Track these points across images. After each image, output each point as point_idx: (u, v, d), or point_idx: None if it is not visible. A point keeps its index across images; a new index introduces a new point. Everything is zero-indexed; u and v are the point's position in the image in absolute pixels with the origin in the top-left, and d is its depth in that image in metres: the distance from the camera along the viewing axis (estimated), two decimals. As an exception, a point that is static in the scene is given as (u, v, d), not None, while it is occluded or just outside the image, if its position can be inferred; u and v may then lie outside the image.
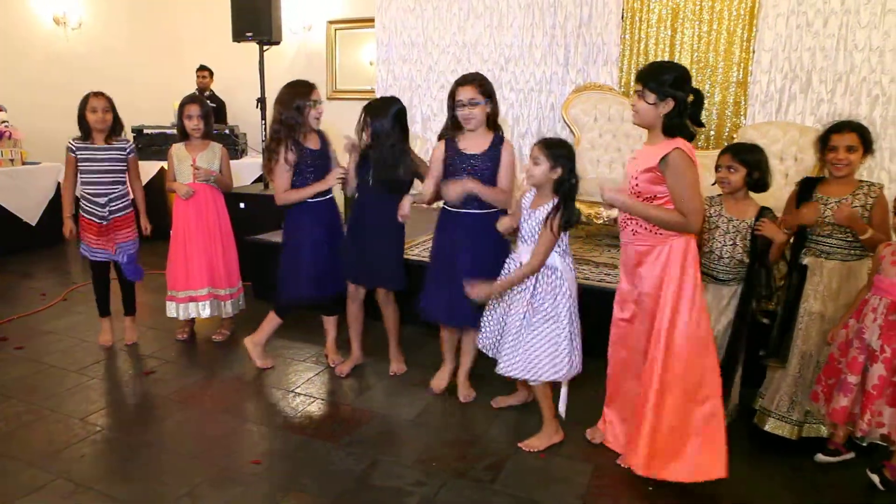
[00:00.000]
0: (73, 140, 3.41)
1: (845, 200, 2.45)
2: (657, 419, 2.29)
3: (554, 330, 2.50)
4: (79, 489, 2.29)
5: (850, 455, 2.53)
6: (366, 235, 3.08)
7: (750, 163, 2.56)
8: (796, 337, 2.57)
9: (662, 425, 2.29)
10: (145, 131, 5.90)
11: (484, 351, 2.77)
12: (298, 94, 3.03)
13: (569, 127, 4.90)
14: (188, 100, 3.47)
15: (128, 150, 3.47)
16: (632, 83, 2.35)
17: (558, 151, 2.44)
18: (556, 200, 2.46)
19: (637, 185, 2.29)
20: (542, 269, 2.51)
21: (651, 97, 2.21)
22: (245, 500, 2.25)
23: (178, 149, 3.50)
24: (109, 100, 3.40)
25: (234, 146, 5.90)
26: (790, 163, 4.43)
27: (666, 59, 4.94)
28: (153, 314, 4.02)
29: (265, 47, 4.93)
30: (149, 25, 7.21)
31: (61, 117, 6.52)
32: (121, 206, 3.46)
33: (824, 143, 2.49)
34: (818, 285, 2.53)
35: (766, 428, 2.64)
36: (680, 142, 2.21)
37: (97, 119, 3.33)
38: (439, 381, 3.10)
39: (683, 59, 4.88)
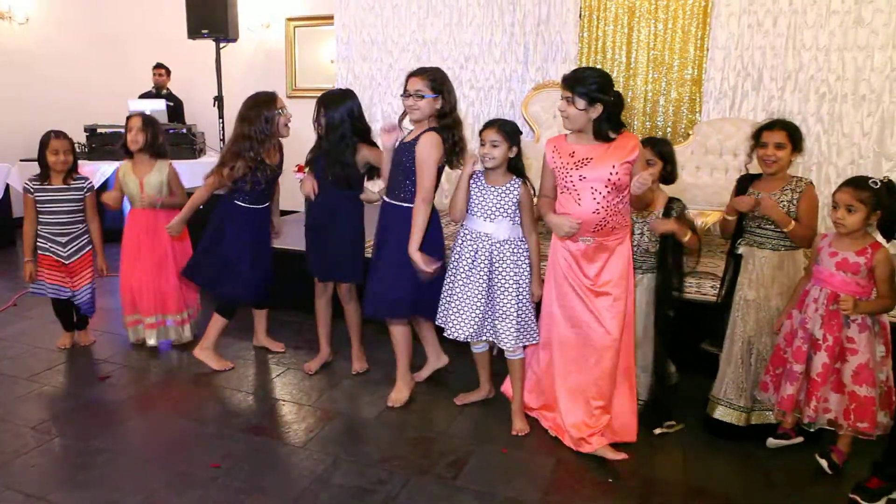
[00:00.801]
0: (31, 181, 3.32)
1: (773, 195, 2.56)
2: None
3: (525, 296, 2.68)
4: (28, 500, 2.22)
5: (799, 439, 2.62)
6: (322, 230, 3.08)
7: (666, 156, 2.71)
8: (733, 324, 2.67)
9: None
10: (98, 130, 5.74)
11: (469, 340, 2.72)
12: (264, 106, 3.04)
13: (528, 124, 4.95)
14: (131, 114, 3.38)
15: (85, 189, 3.40)
16: (562, 88, 2.39)
17: (512, 129, 2.59)
18: (517, 181, 2.63)
19: (618, 176, 2.38)
20: (518, 243, 2.65)
21: (581, 103, 2.34)
22: (204, 505, 2.22)
23: (125, 170, 3.36)
24: (70, 140, 3.35)
25: (192, 145, 5.78)
26: (743, 158, 4.52)
27: (623, 56, 5.03)
28: (108, 318, 3.92)
29: (222, 45, 4.84)
30: (100, 21, 7.00)
31: (8, 115, 6.34)
32: (80, 244, 3.41)
33: (756, 139, 2.60)
34: (751, 273, 2.64)
35: (716, 415, 2.71)
36: (633, 135, 2.44)
37: (58, 161, 3.26)
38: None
39: (640, 57, 4.97)
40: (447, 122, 2.71)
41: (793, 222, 2.50)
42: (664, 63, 4.97)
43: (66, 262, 3.36)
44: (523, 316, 2.66)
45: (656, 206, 2.69)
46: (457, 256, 2.71)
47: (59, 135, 3.29)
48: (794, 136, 2.55)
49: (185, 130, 5.77)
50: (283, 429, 2.75)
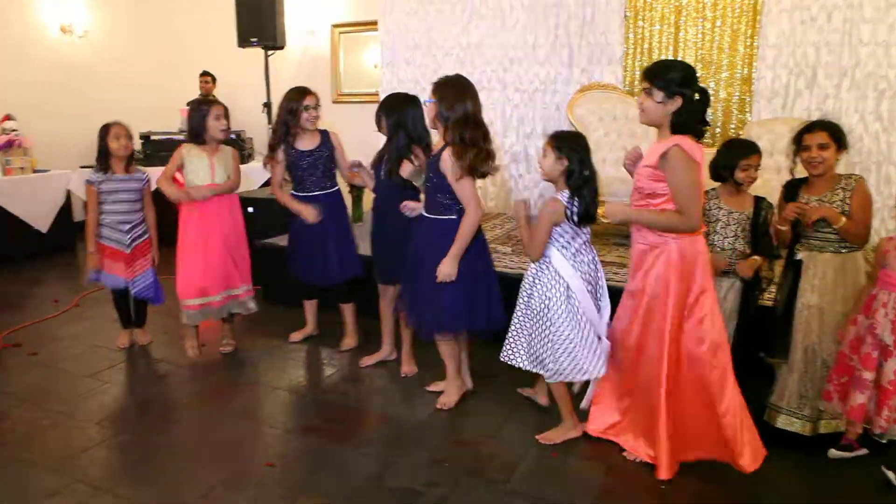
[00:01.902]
0: (93, 173, 3.43)
1: (824, 198, 2.49)
2: (672, 425, 2.34)
3: (548, 328, 2.53)
4: (96, 493, 2.32)
5: (864, 451, 2.52)
6: (386, 232, 3.17)
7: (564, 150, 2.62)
8: (796, 332, 2.59)
9: (679, 431, 2.36)
10: (153, 137, 5.94)
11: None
12: (292, 99, 3.30)
13: (574, 127, 4.90)
14: (214, 101, 3.44)
15: (144, 180, 3.53)
16: (637, 82, 2.34)
17: (564, 142, 2.48)
18: (559, 194, 2.50)
19: (639, 180, 2.33)
20: (539, 265, 2.56)
21: (658, 95, 2.24)
22: (260, 502, 2.27)
23: (189, 149, 3.34)
24: (128, 128, 3.46)
25: (241, 150, 5.93)
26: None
27: (670, 57, 4.94)
28: (165, 319, 4.05)
29: (270, 52, 4.95)
30: (152, 32, 7.25)
31: (69, 125, 6.60)
32: (140, 232, 3.52)
33: (798, 143, 2.55)
34: (813, 279, 2.56)
35: (778, 424, 2.64)
36: (681, 139, 2.24)
37: (120, 146, 3.38)
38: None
39: (687, 57, 4.87)
40: (446, 126, 2.66)
41: (843, 218, 2.44)
42: (713, 62, 4.87)
43: (129, 251, 3.47)
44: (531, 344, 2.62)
45: (744, 207, 2.65)
46: (550, 299, 2.55)
47: (118, 123, 3.42)
48: (836, 135, 2.49)
49: (233, 135, 5.92)
50: (335, 429, 2.79)
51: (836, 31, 4.48)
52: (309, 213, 3.31)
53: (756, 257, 2.63)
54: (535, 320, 2.57)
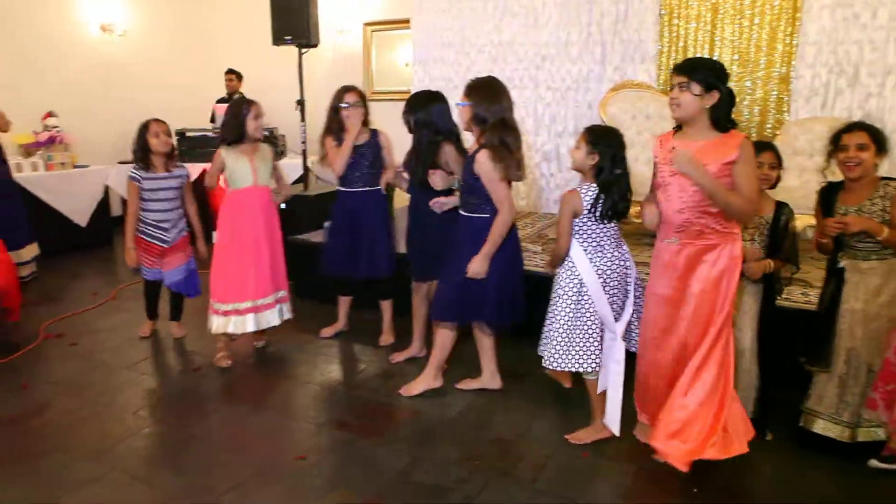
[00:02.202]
0: (136, 170, 3.46)
1: (863, 208, 2.41)
2: (716, 421, 2.31)
3: (569, 321, 2.56)
4: (133, 482, 2.37)
5: None
6: (417, 230, 3.22)
7: (780, 160, 2.61)
8: (839, 336, 2.52)
9: (720, 425, 2.31)
10: (188, 134, 6.05)
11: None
12: (336, 96, 3.40)
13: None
14: (251, 101, 3.31)
15: (185, 177, 3.60)
16: (674, 74, 2.29)
17: (598, 137, 2.47)
18: (582, 186, 2.51)
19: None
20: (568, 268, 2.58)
21: (697, 88, 2.20)
22: (291, 495, 2.30)
23: (228, 152, 3.27)
24: (167, 125, 3.52)
25: (275, 147, 6.00)
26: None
27: (706, 55, 4.87)
28: (199, 313, 4.11)
29: (304, 50, 5.00)
30: (189, 31, 7.38)
31: (107, 121, 6.76)
32: (180, 227, 3.60)
33: (835, 144, 2.47)
34: (857, 286, 2.48)
35: (816, 429, 2.58)
36: (740, 133, 2.26)
37: (160, 143, 3.42)
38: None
39: (724, 56, 4.79)
40: (483, 129, 2.68)
41: (886, 230, 2.35)
42: (750, 61, 4.77)
43: (168, 246, 3.54)
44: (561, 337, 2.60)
45: (764, 211, 2.57)
46: (561, 287, 2.61)
47: (158, 119, 3.47)
48: (876, 138, 2.40)
49: (267, 132, 5.99)
50: (364, 425, 2.81)
51: (880, 27, 4.36)
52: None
53: (768, 260, 2.56)
54: (554, 315, 2.61)
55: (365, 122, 3.42)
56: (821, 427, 2.57)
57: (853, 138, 2.41)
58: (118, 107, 6.70)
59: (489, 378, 3.07)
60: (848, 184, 2.49)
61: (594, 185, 2.49)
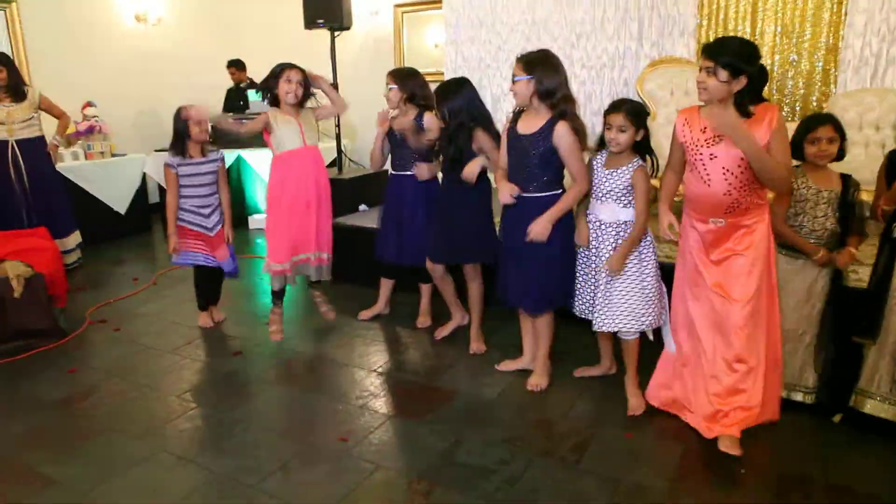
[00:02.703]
0: (172, 157, 3.48)
1: None
2: (756, 389, 2.40)
3: (642, 280, 2.60)
4: (180, 462, 2.41)
5: None
6: (446, 214, 3.18)
7: (843, 132, 2.54)
8: (889, 312, 2.44)
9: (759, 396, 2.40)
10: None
11: (581, 315, 2.78)
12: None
13: (644, 102, 4.74)
14: (287, 65, 3.31)
15: (219, 160, 3.60)
16: (702, 57, 2.24)
17: (641, 115, 2.54)
18: (637, 160, 2.55)
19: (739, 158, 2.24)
20: (623, 227, 2.59)
21: (723, 74, 2.18)
22: (335, 476, 2.31)
23: (275, 114, 3.31)
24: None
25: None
26: (888, 132, 4.14)
27: (748, 27, 4.71)
28: (238, 298, 4.17)
29: (336, 33, 4.98)
30: (219, 18, 7.41)
31: (142, 110, 6.85)
32: (220, 217, 3.61)
33: None
34: None
35: (866, 410, 2.50)
36: (770, 107, 2.26)
37: (200, 131, 3.43)
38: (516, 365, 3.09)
39: (767, 28, 4.63)
40: (553, 102, 2.62)
41: None
42: (794, 32, 4.60)
43: (212, 234, 3.55)
44: (626, 300, 2.60)
45: (832, 185, 2.53)
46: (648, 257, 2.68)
47: (194, 105, 3.45)
48: None
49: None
50: (405, 406, 2.82)
51: (934, -8, 4.16)
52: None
53: (852, 249, 2.52)
54: (628, 279, 2.62)
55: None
56: (871, 407, 2.49)
57: None
58: (153, 95, 6.78)
59: (530, 359, 3.04)
60: None
61: (637, 159, 2.55)
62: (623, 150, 2.54)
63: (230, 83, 6.90)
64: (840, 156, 2.55)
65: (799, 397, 2.65)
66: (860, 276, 3.08)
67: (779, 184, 2.33)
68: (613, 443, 2.48)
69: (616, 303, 2.60)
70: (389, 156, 3.55)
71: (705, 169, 2.33)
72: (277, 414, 2.81)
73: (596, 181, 2.64)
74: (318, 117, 3.50)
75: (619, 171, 2.56)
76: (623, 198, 2.58)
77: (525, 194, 2.73)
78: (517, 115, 2.78)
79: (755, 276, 2.37)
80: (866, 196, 2.64)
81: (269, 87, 3.32)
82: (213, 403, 2.88)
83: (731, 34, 4.74)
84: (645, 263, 2.61)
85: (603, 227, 2.63)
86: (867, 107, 4.17)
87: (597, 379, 2.98)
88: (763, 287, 2.39)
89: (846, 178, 2.56)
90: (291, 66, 3.31)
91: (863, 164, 4.10)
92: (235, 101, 6.75)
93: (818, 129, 2.49)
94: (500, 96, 5.66)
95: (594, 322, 2.67)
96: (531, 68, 2.63)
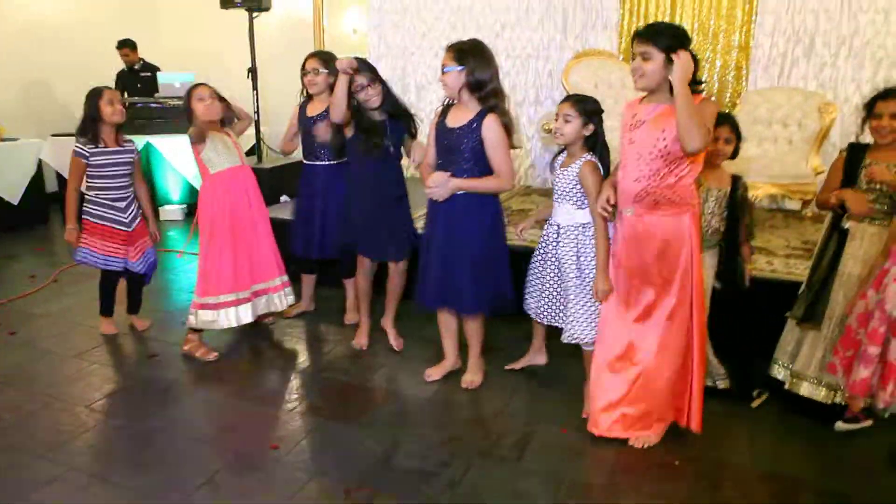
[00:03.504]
0: (83, 145, 3.12)
1: (891, 166, 2.42)
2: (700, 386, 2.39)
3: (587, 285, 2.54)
4: (93, 480, 2.21)
5: (869, 423, 2.53)
6: (365, 206, 3.06)
7: (738, 132, 2.60)
8: (834, 300, 2.54)
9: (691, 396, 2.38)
10: (127, 104, 5.67)
11: (538, 319, 2.74)
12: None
13: (568, 94, 4.79)
14: (196, 85, 3.00)
15: (135, 152, 3.30)
16: (636, 43, 2.21)
17: (589, 106, 2.45)
18: (586, 156, 2.46)
19: (666, 144, 2.17)
20: (579, 229, 2.52)
21: (660, 58, 2.14)
22: (268, 486, 2.19)
23: (210, 137, 3.01)
24: (119, 92, 3.23)
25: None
26: (794, 128, 4.38)
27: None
28: (150, 295, 3.89)
29: (255, 14, 4.72)
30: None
31: (39, 91, 6.29)
32: (136, 210, 3.30)
33: (869, 110, 2.47)
34: (857, 250, 2.51)
35: (802, 392, 2.62)
36: (700, 96, 2.19)
37: (115, 111, 3.10)
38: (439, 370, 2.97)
39: (684, 24, 4.77)
40: (483, 95, 2.56)
41: None
42: (710, 29, 4.78)
43: (131, 229, 3.25)
44: (579, 310, 2.56)
45: (723, 184, 2.57)
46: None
47: (110, 87, 3.17)
48: None
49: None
50: (338, 409, 2.71)
51: (835, -3, 4.42)
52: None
53: (748, 265, 2.65)
54: (580, 284, 2.55)
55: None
56: (806, 390, 2.61)
57: (889, 107, 2.40)
58: (44, 74, 6.24)
59: (454, 361, 2.97)
60: (875, 144, 2.50)
61: (587, 154, 2.47)
62: (569, 142, 2.49)
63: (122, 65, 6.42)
64: (733, 155, 2.61)
65: (719, 384, 2.74)
66: (774, 266, 3.25)
67: (698, 142, 2.10)
68: (551, 439, 2.48)
69: (580, 313, 2.55)
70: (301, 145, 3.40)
71: (625, 154, 2.30)
72: (200, 422, 2.63)
73: (554, 183, 2.60)
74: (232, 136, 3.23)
75: (570, 168, 2.51)
76: (577, 198, 2.52)
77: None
78: (446, 108, 2.71)
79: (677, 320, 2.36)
80: (765, 191, 2.72)
81: (187, 112, 2.99)
82: (127, 413, 2.66)
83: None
84: (586, 270, 2.53)
85: (562, 231, 2.57)
86: (776, 104, 4.39)
87: (528, 374, 2.97)
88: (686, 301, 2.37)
89: (735, 179, 2.60)
90: (200, 85, 3.01)
91: (773, 158, 4.32)
92: (131, 84, 6.30)
93: (716, 130, 2.54)
94: (425, 84, 5.59)
95: (564, 333, 2.62)
96: (463, 58, 2.55)
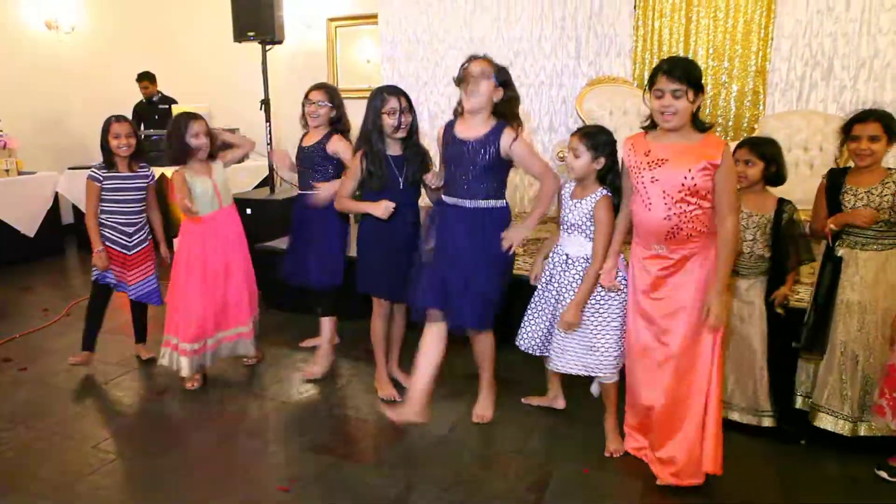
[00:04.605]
0: (98, 169, 3.20)
1: (874, 191, 2.38)
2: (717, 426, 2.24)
3: (611, 323, 2.44)
4: (97, 525, 2.14)
5: None
6: (381, 241, 2.89)
7: (767, 156, 2.53)
8: (835, 329, 2.48)
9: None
10: (144, 136, 5.72)
11: (529, 351, 2.64)
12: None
13: (583, 121, 4.75)
14: (190, 116, 3.03)
15: (150, 178, 3.32)
16: (646, 74, 2.16)
17: (599, 140, 2.38)
18: (602, 191, 2.40)
19: (694, 181, 2.14)
20: (587, 260, 2.45)
21: (691, 95, 2.12)
22: (276, 532, 2.11)
23: (189, 172, 3.03)
24: (132, 124, 3.23)
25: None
26: (815, 152, 4.30)
27: (681, 49, 4.81)
28: (160, 330, 3.85)
29: (268, 47, 4.75)
30: (143, 28, 7.01)
31: (56, 125, 6.38)
32: (143, 236, 3.31)
33: (847, 132, 2.43)
34: (853, 276, 2.45)
35: (818, 423, 2.54)
36: (720, 139, 2.22)
37: (120, 144, 3.14)
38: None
39: (699, 49, 4.74)
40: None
41: None
42: (725, 54, 4.73)
43: (130, 253, 3.26)
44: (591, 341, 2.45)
45: (766, 210, 2.51)
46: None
47: (120, 119, 3.19)
48: (889, 127, 2.36)
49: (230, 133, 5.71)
50: (351, 447, 2.63)
51: (853, 20, 4.36)
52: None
53: (786, 290, 2.55)
54: (600, 321, 2.46)
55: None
56: (823, 421, 2.53)
57: (866, 129, 2.36)
58: (66, 108, 6.34)
59: (423, 389, 2.64)
60: (855, 168, 2.45)
61: (602, 189, 2.40)
62: (579, 177, 2.43)
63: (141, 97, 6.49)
64: (777, 181, 2.55)
65: (766, 422, 2.62)
66: (800, 294, 3.13)
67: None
68: (572, 480, 2.38)
69: (589, 347, 2.45)
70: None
71: (647, 192, 2.25)
72: (210, 462, 2.55)
73: (563, 212, 2.53)
74: (227, 163, 3.21)
75: (583, 201, 2.44)
76: (590, 230, 2.45)
77: (467, 203, 2.58)
78: (451, 122, 2.64)
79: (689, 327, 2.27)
80: (804, 216, 2.64)
81: (174, 144, 3.02)
82: (135, 452, 2.61)
83: (665, 55, 4.83)
84: (608, 311, 2.44)
85: (570, 261, 2.49)
86: (795, 128, 4.31)
87: (545, 408, 2.87)
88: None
89: (781, 203, 2.53)
90: (194, 117, 3.02)
91: (793, 184, 4.20)
92: (149, 116, 6.36)
93: (735, 152, 2.50)
94: (438, 113, 5.57)
95: (556, 362, 2.52)
96: (500, 72, 2.55)
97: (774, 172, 2.51)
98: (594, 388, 2.59)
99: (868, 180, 2.41)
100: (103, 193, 3.20)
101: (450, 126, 2.64)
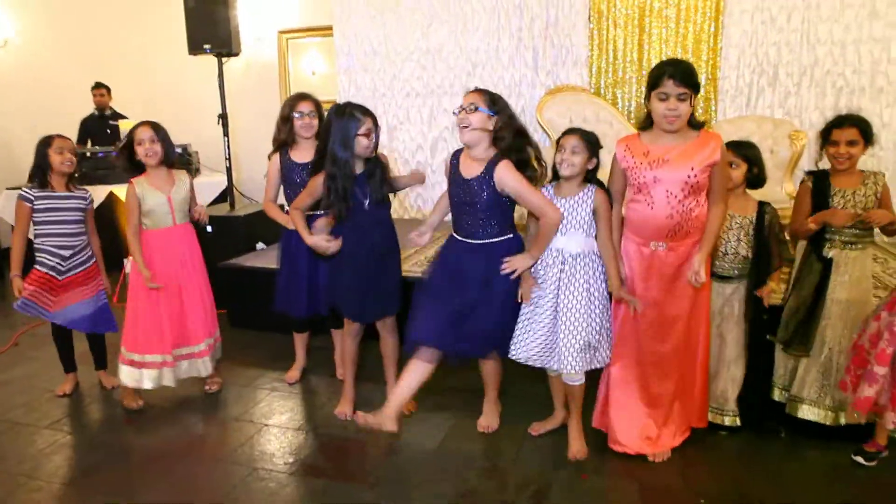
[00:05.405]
0: (30, 189, 2.98)
1: (858, 192, 2.49)
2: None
3: (607, 310, 2.52)
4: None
5: (886, 453, 2.49)
6: (361, 265, 2.73)
7: (751, 158, 2.60)
8: (824, 327, 2.57)
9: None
10: (88, 154, 5.46)
11: (531, 364, 2.55)
12: (285, 105, 3.08)
13: (544, 130, 4.82)
14: (139, 123, 2.92)
15: (88, 201, 3.13)
16: (672, 85, 2.19)
17: (593, 141, 2.45)
18: (592, 187, 2.46)
19: (696, 179, 2.27)
20: (592, 257, 2.47)
21: (692, 99, 2.23)
22: (277, 562, 2.02)
23: (140, 184, 2.90)
24: (73, 141, 3.07)
25: (188, 165, 5.55)
26: (766, 155, 4.41)
27: (635, 57, 4.94)
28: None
29: (224, 59, 4.62)
30: (81, 40, 6.69)
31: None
32: (82, 259, 3.10)
33: (825, 137, 2.53)
34: (843, 275, 2.54)
35: (800, 414, 2.63)
36: (715, 134, 2.33)
37: (64, 160, 2.96)
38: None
39: (653, 58, 4.88)
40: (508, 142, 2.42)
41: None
42: (677, 63, 4.89)
43: (61, 278, 3.03)
44: (590, 337, 2.44)
45: (748, 211, 2.58)
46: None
47: (62, 135, 3.02)
48: (865, 132, 2.48)
49: (180, 149, 5.51)
50: (342, 468, 2.55)
51: (795, 30, 4.60)
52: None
53: (772, 285, 2.61)
54: (591, 312, 2.46)
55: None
56: (805, 412, 2.62)
57: (844, 134, 2.46)
58: (2, 125, 5.98)
59: (397, 405, 2.53)
60: (835, 170, 2.55)
61: (591, 185, 2.47)
62: (576, 174, 2.43)
63: (88, 111, 6.18)
64: (757, 183, 2.61)
65: (727, 421, 2.69)
66: (776, 293, 3.25)
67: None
68: (571, 486, 2.38)
69: (581, 342, 2.43)
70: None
71: (649, 192, 2.32)
72: (194, 493, 2.42)
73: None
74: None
75: (577, 197, 2.44)
76: (590, 226, 2.45)
77: (474, 241, 2.52)
78: (457, 153, 2.57)
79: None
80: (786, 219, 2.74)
81: (125, 153, 2.91)
82: (111, 489, 2.44)
83: (620, 64, 4.97)
84: (598, 297, 2.47)
85: (572, 259, 2.45)
86: (748, 132, 4.48)
87: (539, 417, 2.83)
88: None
89: (762, 205, 2.60)
90: (144, 123, 2.90)
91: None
92: (98, 130, 6.06)
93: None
94: (397, 125, 5.55)
95: (566, 369, 2.45)
96: (494, 101, 2.40)
97: (756, 175, 2.59)
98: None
99: (850, 182, 2.51)
100: (35, 215, 2.99)
101: (455, 158, 2.56)
